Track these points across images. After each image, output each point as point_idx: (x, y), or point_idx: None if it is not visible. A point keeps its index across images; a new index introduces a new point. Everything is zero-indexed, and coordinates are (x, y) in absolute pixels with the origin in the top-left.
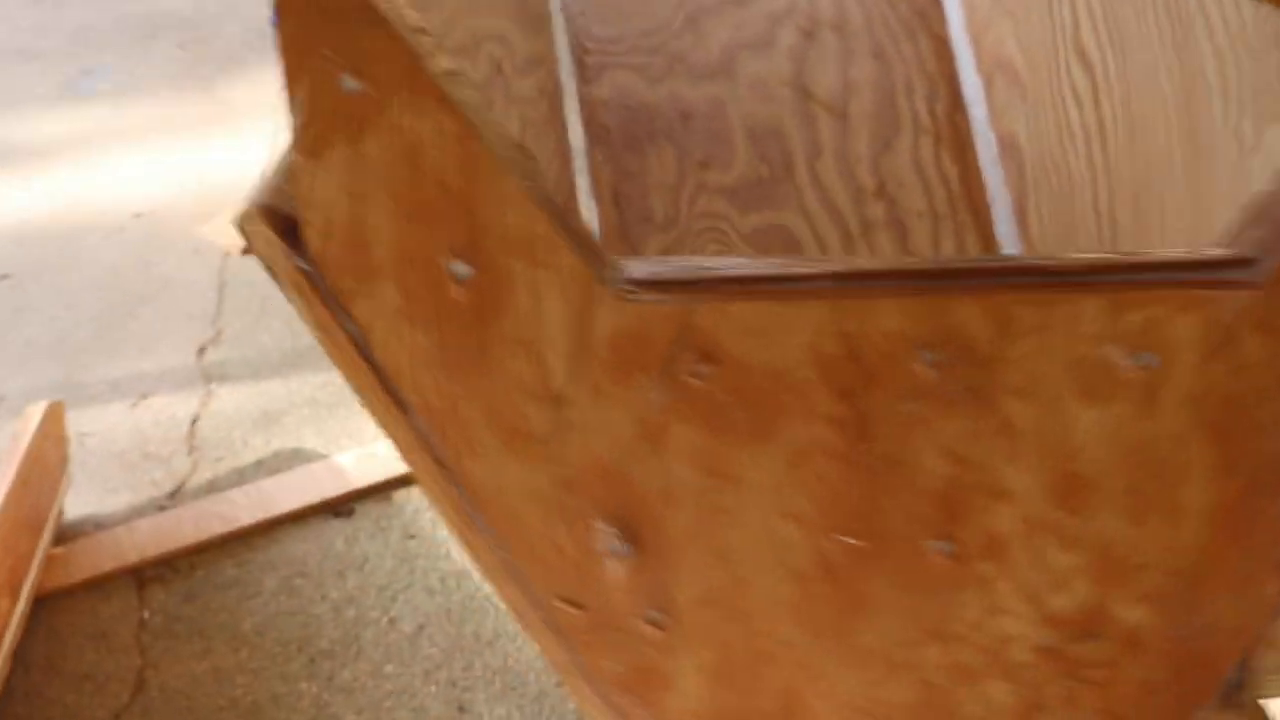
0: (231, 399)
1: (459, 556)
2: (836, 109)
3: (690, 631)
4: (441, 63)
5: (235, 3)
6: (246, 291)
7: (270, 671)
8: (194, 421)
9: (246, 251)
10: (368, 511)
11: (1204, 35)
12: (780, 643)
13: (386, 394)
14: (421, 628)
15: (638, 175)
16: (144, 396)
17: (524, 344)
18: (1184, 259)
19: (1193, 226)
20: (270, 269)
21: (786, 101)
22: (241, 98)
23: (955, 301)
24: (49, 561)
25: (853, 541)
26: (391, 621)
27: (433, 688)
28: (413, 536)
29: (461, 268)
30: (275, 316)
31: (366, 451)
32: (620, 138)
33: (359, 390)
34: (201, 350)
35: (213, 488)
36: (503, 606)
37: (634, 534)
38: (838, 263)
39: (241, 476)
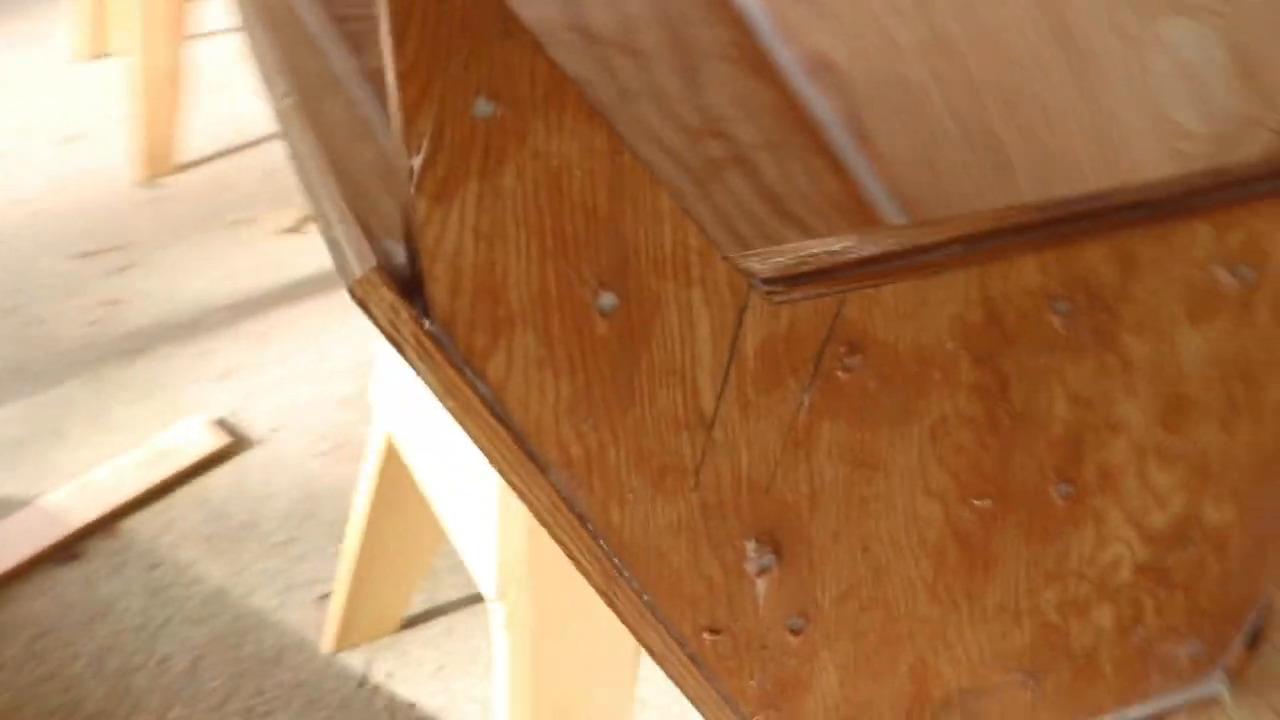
0: None
1: (213, 576)
2: (628, 48)
3: (830, 630)
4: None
5: None
6: None
7: None
8: None
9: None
10: (97, 550)
11: None
12: (916, 620)
13: (523, 453)
14: (197, 661)
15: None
16: None
17: (674, 371)
18: (1269, 170)
19: (1093, 127)
20: (392, 337)
21: (575, 46)
22: None
23: (1085, 247)
24: None
25: (987, 504)
26: (161, 662)
27: None
28: (155, 566)
29: (608, 299)
30: None
31: (79, 485)
32: None
33: (492, 455)
34: None
35: None
36: (280, 619)
37: (780, 545)
38: (953, 224)
39: None
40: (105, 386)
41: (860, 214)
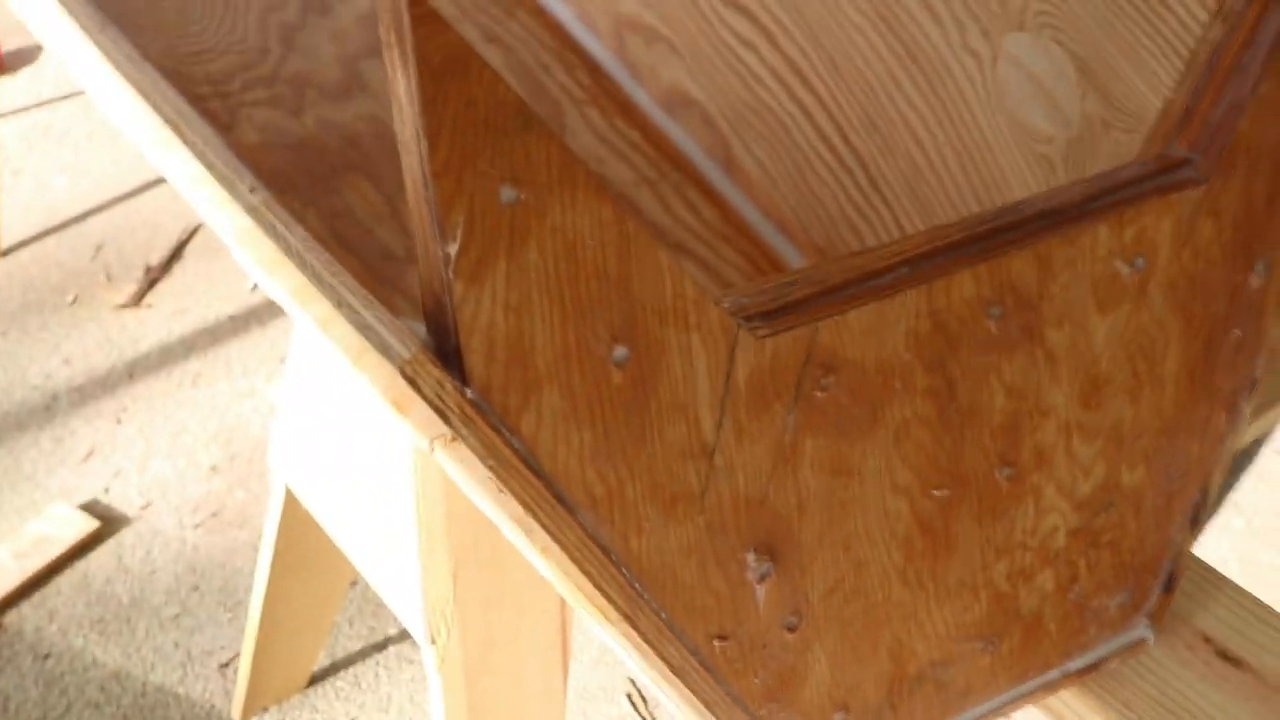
0: None
1: (109, 659)
2: None
3: (819, 624)
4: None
5: None
6: None
7: None
8: None
9: None
10: None
11: None
12: (891, 605)
13: (555, 499)
14: None
15: (346, 214)
16: None
17: (679, 408)
18: (1149, 170)
19: (955, 139)
20: (438, 408)
21: None
22: None
23: (1009, 256)
24: None
25: (945, 493)
26: None
27: None
28: (46, 657)
29: (621, 352)
30: None
31: None
32: (304, 180)
33: (527, 503)
34: None
35: None
36: (185, 692)
37: (775, 553)
38: (897, 246)
39: None
40: None
41: (743, 240)
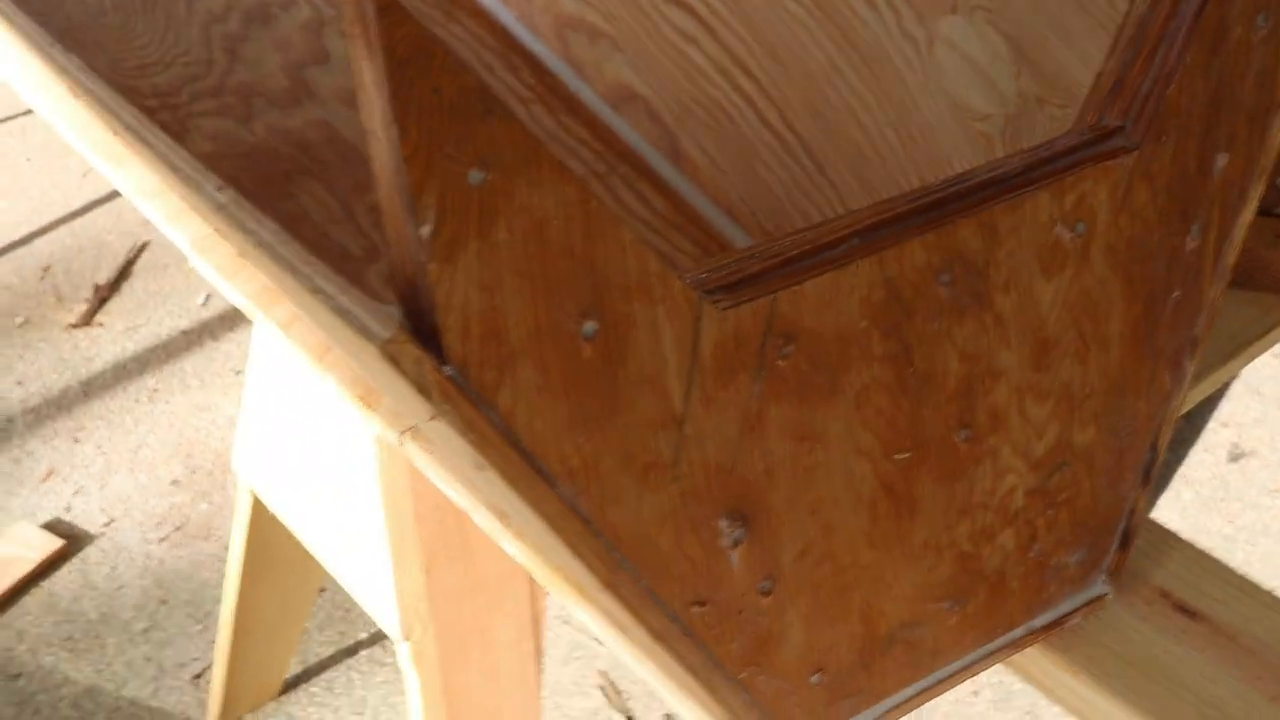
0: None
1: (80, 675)
2: None
3: (793, 587)
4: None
5: None
6: None
7: None
8: None
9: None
10: None
11: None
12: (859, 568)
13: (533, 471)
14: None
15: (303, 217)
16: None
17: (648, 380)
18: (1087, 139)
19: (897, 120)
20: (420, 384)
21: None
22: None
23: (957, 225)
24: None
25: (906, 456)
26: None
27: None
28: (16, 676)
29: (590, 326)
30: None
31: None
32: (258, 186)
33: (509, 477)
34: None
35: None
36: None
37: (747, 519)
38: (848, 219)
39: None
40: None
41: (694, 228)
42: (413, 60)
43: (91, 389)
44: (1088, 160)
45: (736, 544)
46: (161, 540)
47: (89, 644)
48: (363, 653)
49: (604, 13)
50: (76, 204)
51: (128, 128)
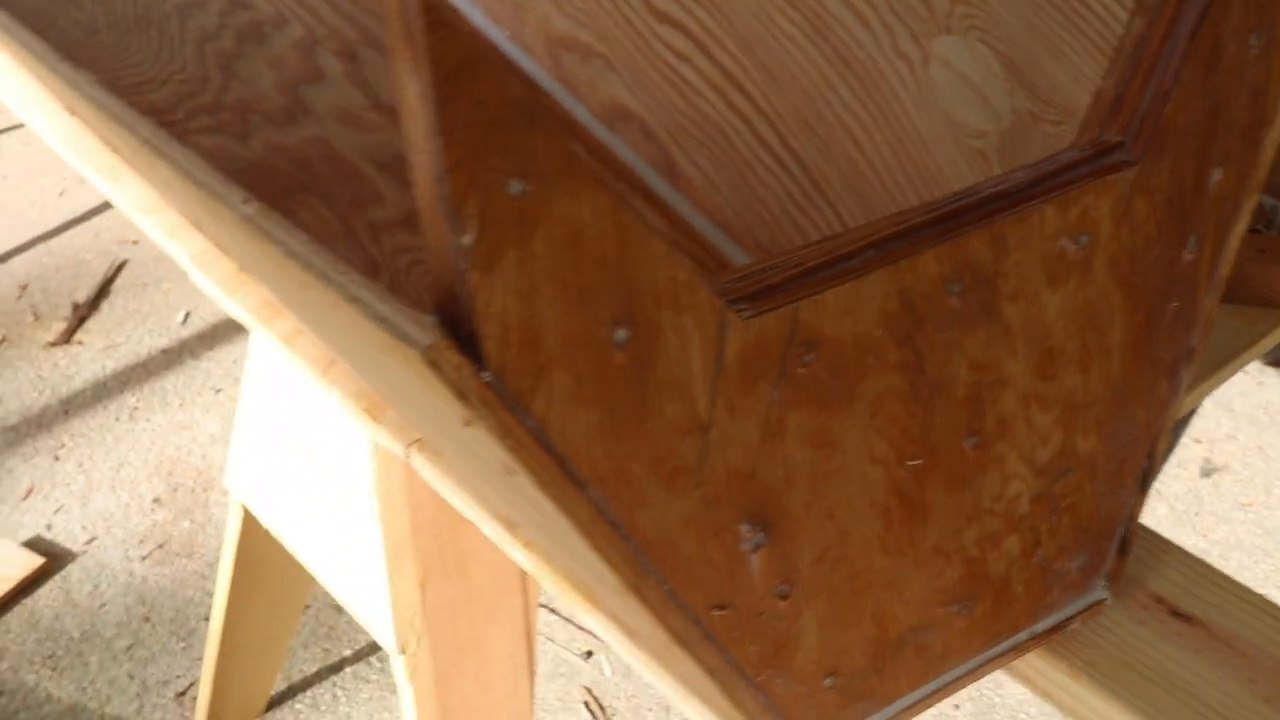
0: None
1: (63, 693)
2: None
3: (809, 591)
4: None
5: None
6: None
7: None
8: None
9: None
10: None
11: None
12: (873, 572)
13: (566, 476)
14: None
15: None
16: None
17: (675, 386)
18: (1087, 155)
19: (892, 138)
20: (459, 391)
21: (384, 127)
22: None
23: (968, 236)
24: None
25: (918, 463)
26: None
27: None
28: (0, 694)
29: (621, 334)
30: None
31: None
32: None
33: (542, 482)
34: None
35: None
36: None
37: (767, 524)
38: (866, 230)
39: None
40: None
41: (691, 244)
42: (460, 73)
43: (71, 407)
44: (1090, 175)
45: (757, 548)
46: (144, 558)
47: (71, 662)
48: (348, 669)
49: (597, 32)
50: (54, 222)
51: (145, 142)
